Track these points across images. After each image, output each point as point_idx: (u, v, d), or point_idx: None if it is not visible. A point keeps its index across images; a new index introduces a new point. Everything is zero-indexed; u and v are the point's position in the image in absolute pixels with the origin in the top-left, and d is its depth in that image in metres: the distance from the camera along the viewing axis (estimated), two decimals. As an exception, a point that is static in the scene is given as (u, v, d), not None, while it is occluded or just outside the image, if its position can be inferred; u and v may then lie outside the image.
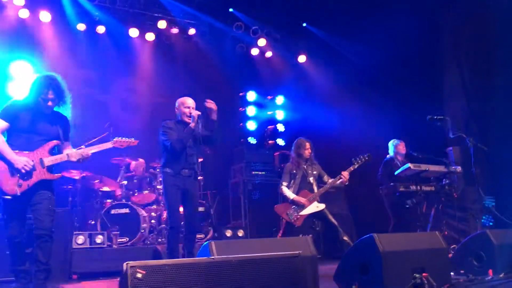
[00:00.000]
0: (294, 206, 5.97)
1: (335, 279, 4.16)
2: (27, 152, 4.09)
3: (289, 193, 6.03)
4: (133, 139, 4.71)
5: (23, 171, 4.00)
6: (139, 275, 2.49)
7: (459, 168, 6.65)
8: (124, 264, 2.58)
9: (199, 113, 5.14)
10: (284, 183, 6.14)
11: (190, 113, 5.20)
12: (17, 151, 4.07)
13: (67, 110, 4.39)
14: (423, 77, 8.33)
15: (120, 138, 4.63)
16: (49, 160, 4.16)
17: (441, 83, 8.48)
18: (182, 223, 5.46)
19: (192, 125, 5.10)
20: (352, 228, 8.09)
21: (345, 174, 5.91)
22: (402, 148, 7.04)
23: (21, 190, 4.01)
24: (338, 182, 5.99)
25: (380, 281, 3.76)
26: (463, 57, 8.08)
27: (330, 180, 6.04)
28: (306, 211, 5.96)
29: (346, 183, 6.01)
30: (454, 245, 5.68)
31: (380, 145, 7.31)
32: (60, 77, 4.31)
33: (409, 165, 6.40)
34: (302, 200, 5.94)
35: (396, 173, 6.59)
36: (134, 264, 2.54)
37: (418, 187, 6.46)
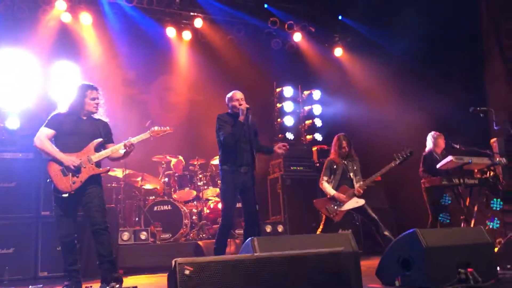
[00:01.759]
0: (334, 201, 5.97)
1: (378, 274, 4.14)
2: (75, 152, 4.37)
3: (329, 189, 6.03)
4: (168, 127, 4.87)
5: (72, 167, 4.27)
6: (187, 272, 2.58)
7: (504, 160, 6.46)
8: (173, 261, 2.67)
9: (248, 106, 5.06)
10: (325, 178, 6.14)
11: (241, 106, 5.11)
12: (66, 153, 4.34)
13: (103, 116, 4.69)
14: (465, 67, 8.12)
15: (156, 128, 4.82)
16: (96, 157, 4.43)
17: (483, 73, 8.25)
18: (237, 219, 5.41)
19: (241, 118, 5.03)
20: (392, 223, 8.00)
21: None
22: (442, 142, 6.90)
23: (75, 187, 4.28)
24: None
25: (423, 277, 3.72)
26: (506, 44, 7.82)
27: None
28: (345, 207, 5.95)
29: None
30: (500, 239, 5.54)
31: (421, 139, 7.18)
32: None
33: (451, 157, 6.25)
34: (342, 197, 5.93)
35: (438, 166, 6.46)
36: (182, 261, 2.62)
37: (461, 180, 6.31)
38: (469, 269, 3.76)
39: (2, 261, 5.63)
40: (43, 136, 4.36)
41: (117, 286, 3.79)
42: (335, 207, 5.95)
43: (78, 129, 4.44)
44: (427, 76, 8.42)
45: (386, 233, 5.73)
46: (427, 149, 6.95)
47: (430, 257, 3.73)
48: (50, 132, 4.40)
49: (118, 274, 4.39)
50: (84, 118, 4.53)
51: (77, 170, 4.29)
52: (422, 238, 3.77)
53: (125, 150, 4.53)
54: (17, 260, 5.77)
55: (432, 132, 6.99)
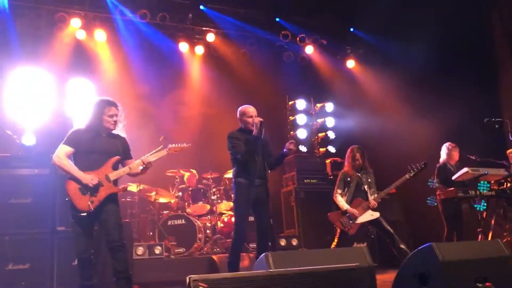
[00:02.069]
0: (348, 214, 5.93)
1: (394, 289, 4.09)
2: (93, 170, 4.38)
3: (342, 203, 5.99)
4: (185, 143, 4.90)
5: (91, 185, 4.28)
6: (201, 289, 2.57)
7: (521, 171, 6.37)
8: (187, 277, 2.66)
9: (261, 119, 5.07)
10: (339, 191, 6.11)
11: (253, 122, 5.11)
12: (84, 171, 4.35)
13: (122, 131, 4.68)
14: (478, 77, 8.05)
15: (173, 145, 4.85)
16: (114, 175, 4.44)
17: (497, 82, 8.17)
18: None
19: (255, 132, 5.03)
20: (408, 236, 7.91)
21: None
22: (456, 153, 6.84)
23: (94, 205, 4.29)
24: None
25: (441, 291, 3.67)
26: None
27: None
28: (360, 219, 5.90)
29: None
30: (518, 252, 5.44)
31: (435, 150, 7.12)
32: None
33: (466, 169, 6.20)
34: (355, 212, 5.88)
35: (453, 178, 6.40)
36: (196, 278, 2.62)
37: (478, 192, 6.23)
38: (487, 284, 3.70)
39: (19, 276, 5.66)
40: (62, 154, 4.37)
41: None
42: (350, 221, 5.91)
43: (96, 147, 4.44)
44: (441, 86, 8.36)
45: (402, 246, 5.66)
46: (441, 160, 6.89)
47: (447, 272, 3.67)
48: (69, 150, 4.40)
49: None
50: (103, 135, 4.52)
51: (96, 189, 4.30)
52: (438, 252, 3.71)
53: (142, 167, 4.55)
54: (33, 276, 5.79)
55: (447, 144, 6.93)
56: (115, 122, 4.53)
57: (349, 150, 6.29)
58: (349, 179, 6.11)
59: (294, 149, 5.34)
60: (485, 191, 6.07)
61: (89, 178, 4.28)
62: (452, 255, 3.77)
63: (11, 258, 5.80)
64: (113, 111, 4.51)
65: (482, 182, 6.22)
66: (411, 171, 5.96)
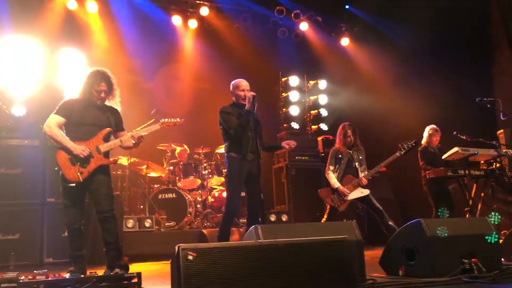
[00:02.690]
0: (338, 191, 5.97)
1: (381, 263, 4.14)
2: (84, 141, 4.33)
3: (334, 181, 6.01)
4: (178, 119, 4.88)
5: (81, 156, 4.23)
6: (190, 257, 2.58)
7: (510, 152, 6.42)
8: (176, 246, 2.67)
9: (254, 94, 5.02)
10: (331, 168, 6.12)
11: (245, 96, 5.09)
12: (75, 141, 4.30)
13: (117, 104, 4.60)
14: (472, 58, 8.05)
15: (166, 119, 4.81)
16: (104, 147, 4.39)
17: (491, 65, 8.17)
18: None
19: (248, 106, 5.00)
20: (397, 214, 7.99)
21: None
22: (436, 138, 6.85)
23: (83, 176, 4.24)
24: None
25: (427, 267, 3.72)
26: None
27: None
28: (350, 196, 5.94)
29: None
30: (505, 231, 5.52)
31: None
32: (110, 72, 4.51)
33: (457, 148, 6.23)
34: (346, 191, 5.91)
35: (443, 157, 6.44)
36: (186, 247, 2.63)
37: (467, 171, 6.28)
38: (473, 260, 3.75)
39: (8, 246, 5.66)
40: (53, 124, 4.30)
41: (121, 272, 3.80)
42: (340, 197, 5.94)
43: (87, 118, 4.39)
44: (434, 66, 8.36)
45: (391, 223, 5.72)
46: (422, 142, 6.90)
47: (434, 247, 3.73)
48: (61, 120, 4.34)
49: (124, 262, 4.40)
50: (95, 106, 4.44)
51: (86, 160, 4.26)
52: (426, 228, 3.77)
53: (134, 142, 4.52)
54: (23, 246, 5.81)
55: (429, 127, 6.93)
56: (102, 98, 4.44)
57: (340, 127, 6.29)
58: (340, 156, 6.13)
59: (288, 149, 5.44)
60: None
61: (80, 149, 4.24)
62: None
63: (0, 228, 5.81)
64: (102, 86, 4.41)
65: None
66: (402, 149, 5.98)
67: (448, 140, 6.88)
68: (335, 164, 6.13)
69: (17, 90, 6.52)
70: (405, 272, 3.87)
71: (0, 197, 5.87)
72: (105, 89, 4.42)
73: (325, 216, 6.12)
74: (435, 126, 6.93)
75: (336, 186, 5.97)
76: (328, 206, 6.08)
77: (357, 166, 6.08)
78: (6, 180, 5.94)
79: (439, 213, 6.54)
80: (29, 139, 6.14)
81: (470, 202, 6.37)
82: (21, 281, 3.41)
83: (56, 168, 4.32)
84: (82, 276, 3.71)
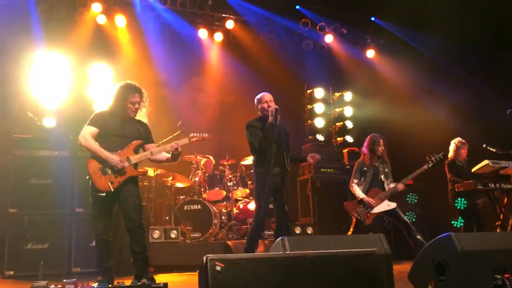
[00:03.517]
0: (364, 204, 5.89)
1: (410, 278, 4.05)
2: (114, 152, 4.41)
3: (359, 193, 5.95)
4: (206, 134, 4.94)
5: (117, 167, 4.31)
6: (218, 268, 2.59)
7: (542, 165, 6.25)
8: (204, 257, 2.68)
9: (277, 107, 5.09)
10: (355, 181, 6.06)
11: (270, 108, 5.15)
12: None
13: (144, 117, 4.71)
14: (503, 69, 7.89)
15: (195, 134, 4.88)
16: (135, 158, 4.47)
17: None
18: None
19: (270, 120, 5.06)
20: (425, 227, 7.84)
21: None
22: (464, 151, 6.74)
23: (113, 186, 4.32)
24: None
25: (458, 282, 3.62)
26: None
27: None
28: (376, 209, 5.86)
29: None
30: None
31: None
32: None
33: (487, 161, 6.10)
34: (371, 201, 5.84)
35: (473, 170, 6.32)
36: (214, 257, 2.63)
37: (497, 185, 6.14)
38: (506, 275, 3.64)
39: (37, 256, 5.78)
40: (88, 134, 4.40)
41: (148, 282, 3.83)
42: (366, 210, 5.86)
43: (119, 130, 4.48)
44: (461, 77, 8.23)
45: (419, 237, 5.61)
46: (449, 156, 6.78)
47: (465, 262, 3.63)
48: (94, 130, 4.44)
49: (150, 274, 4.41)
50: (126, 119, 4.54)
51: (118, 171, 4.33)
52: (457, 242, 3.67)
53: (168, 156, 4.61)
54: (52, 256, 5.92)
55: (455, 140, 6.82)
56: (136, 110, 4.55)
57: (370, 137, 6.20)
58: (365, 168, 6.06)
59: (312, 162, 5.50)
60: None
61: (116, 160, 4.31)
62: (471, 245, 3.71)
63: (30, 237, 5.93)
64: (136, 98, 4.52)
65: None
66: (430, 162, 5.88)
67: (473, 152, 6.78)
68: (360, 177, 6.06)
69: (48, 103, 6.68)
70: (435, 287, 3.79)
71: (30, 207, 6.01)
72: (138, 101, 4.54)
73: (351, 230, 6.04)
74: (461, 139, 6.83)
75: (361, 197, 5.89)
76: (354, 220, 6.00)
77: (383, 179, 6.00)
78: (36, 190, 6.08)
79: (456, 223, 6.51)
80: (59, 150, 6.28)
81: (501, 216, 6.22)
82: (50, 289, 3.47)
83: (87, 177, 4.39)
84: (110, 286, 3.75)
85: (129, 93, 4.50)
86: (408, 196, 7.83)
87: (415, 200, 7.89)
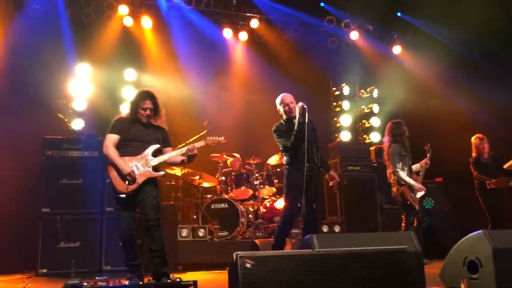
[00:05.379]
0: (411, 189, 5.89)
1: (441, 276, 4.00)
2: (134, 156, 4.57)
3: (408, 179, 5.92)
4: (222, 137, 5.07)
5: (129, 178, 4.46)
6: (248, 265, 2.60)
7: None
8: (234, 254, 2.70)
9: (304, 104, 5.12)
10: (398, 166, 5.95)
11: (292, 109, 5.22)
12: (127, 157, 4.55)
13: (163, 123, 4.82)
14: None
15: (212, 137, 5.03)
16: (154, 161, 4.61)
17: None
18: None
19: (298, 118, 5.09)
20: (454, 225, 7.72)
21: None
22: (486, 145, 6.71)
23: (131, 188, 4.47)
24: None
25: (491, 280, 3.55)
26: None
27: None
28: (419, 194, 5.91)
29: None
30: None
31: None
32: (155, 92, 4.75)
33: (519, 157, 5.98)
34: (422, 187, 5.89)
35: (505, 166, 6.21)
36: (243, 255, 2.65)
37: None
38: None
39: (69, 254, 5.92)
40: (109, 143, 4.57)
41: (178, 280, 3.87)
42: (413, 195, 5.88)
43: (137, 135, 4.63)
44: (489, 70, 8.07)
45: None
46: (473, 154, 6.72)
47: (499, 260, 3.56)
48: (115, 137, 4.60)
49: (165, 270, 4.43)
50: (141, 123, 4.67)
51: (132, 181, 4.45)
52: (490, 240, 3.61)
53: (184, 158, 4.69)
54: (83, 254, 6.07)
55: (473, 137, 6.79)
56: (148, 115, 4.66)
57: (394, 123, 6.22)
58: (404, 153, 5.99)
59: (333, 183, 5.53)
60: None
61: (128, 171, 4.43)
62: (504, 243, 3.65)
63: (62, 236, 6.08)
64: (147, 104, 4.63)
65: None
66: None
67: (506, 147, 6.66)
68: (400, 162, 5.95)
69: (78, 105, 6.82)
70: (467, 286, 3.72)
71: (62, 206, 6.18)
72: (150, 107, 4.66)
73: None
74: (479, 135, 6.76)
75: (412, 184, 5.84)
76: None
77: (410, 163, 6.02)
78: (67, 190, 6.24)
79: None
80: (89, 151, 6.43)
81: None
82: (84, 287, 3.54)
83: (108, 180, 4.58)
84: (141, 283, 3.81)
85: (140, 99, 4.65)
86: (425, 201, 7.67)
87: (432, 205, 7.75)
